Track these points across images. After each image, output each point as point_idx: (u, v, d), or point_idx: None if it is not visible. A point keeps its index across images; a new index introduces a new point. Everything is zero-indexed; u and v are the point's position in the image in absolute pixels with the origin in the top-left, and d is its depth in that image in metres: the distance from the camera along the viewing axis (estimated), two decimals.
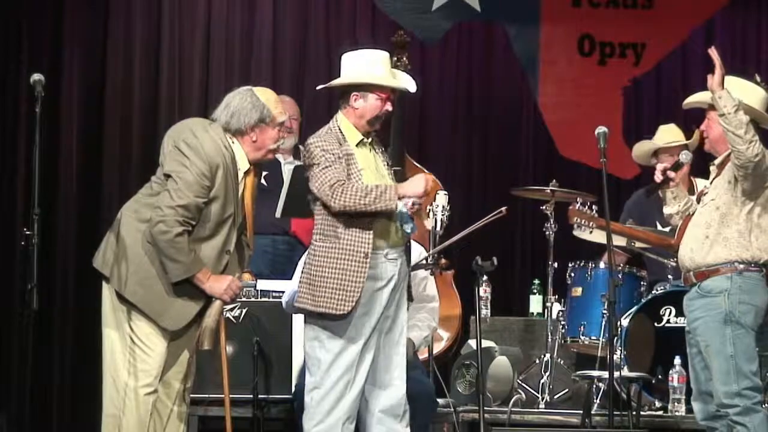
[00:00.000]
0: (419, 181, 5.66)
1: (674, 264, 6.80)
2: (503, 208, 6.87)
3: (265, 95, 5.62)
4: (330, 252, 5.63)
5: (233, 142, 5.55)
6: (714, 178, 5.96)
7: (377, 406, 5.72)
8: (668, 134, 7.71)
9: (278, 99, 5.69)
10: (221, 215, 5.49)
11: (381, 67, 5.79)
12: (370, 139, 5.80)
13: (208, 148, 5.46)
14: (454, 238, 6.75)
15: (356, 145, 5.73)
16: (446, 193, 6.26)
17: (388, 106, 5.76)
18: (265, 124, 5.57)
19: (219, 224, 5.50)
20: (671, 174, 6.04)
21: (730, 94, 5.64)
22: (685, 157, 6.25)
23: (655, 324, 7.17)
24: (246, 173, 5.60)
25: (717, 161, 5.98)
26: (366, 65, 5.77)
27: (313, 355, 5.69)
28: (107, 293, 5.53)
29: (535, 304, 8.12)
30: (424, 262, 6.52)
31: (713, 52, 5.67)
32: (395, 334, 5.76)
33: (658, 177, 6.06)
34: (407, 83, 5.94)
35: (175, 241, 5.37)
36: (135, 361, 5.46)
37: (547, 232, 7.57)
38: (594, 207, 7.16)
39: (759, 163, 5.67)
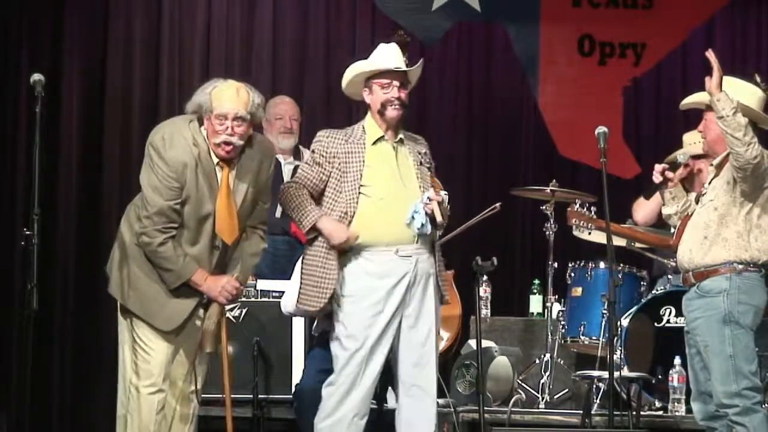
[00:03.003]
0: (340, 233, 5.66)
1: (674, 264, 6.79)
2: (497, 204, 6.89)
3: (221, 89, 5.45)
4: (310, 250, 5.76)
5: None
6: (712, 179, 5.96)
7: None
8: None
9: (236, 94, 5.44)
10: (198, 213, 5.46)
11: (371, 57, 5.88)
12: (397, 138, 5.84)
13: (174, 147, 5.41)
14: (450, 235, 6.76)
15: (372, 143, 5.79)
16: (446, 192, 6.25)
17: (394, 92, 5.80)
18: (204, 113, 5.45)
19: (199, 222, 5.48)
20: (669, 174, 6.04)
21: (729, 97, 5.63)
22: (683, 157, 6.24)
23: (655, 324, 7.17)
24: (221, 168, 5.51)
25: (715, 162, 5.97)
26: (359, 64, 5.88)
27: (334, 352, 5.78)
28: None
29: (535, 304, 8.10)
30: None
31: (711, 55, 5.66)
32: (421, 330, 5.78)
33: (656, 177, 6.06)
34: (394, 62, 5.85)
35: (158, 251, 5.39)
36: (137, 360, 5.51)
37: (547, 232, 7.57)
38: (592, 208, 7.17)
39: (758, 165, 5.67)
